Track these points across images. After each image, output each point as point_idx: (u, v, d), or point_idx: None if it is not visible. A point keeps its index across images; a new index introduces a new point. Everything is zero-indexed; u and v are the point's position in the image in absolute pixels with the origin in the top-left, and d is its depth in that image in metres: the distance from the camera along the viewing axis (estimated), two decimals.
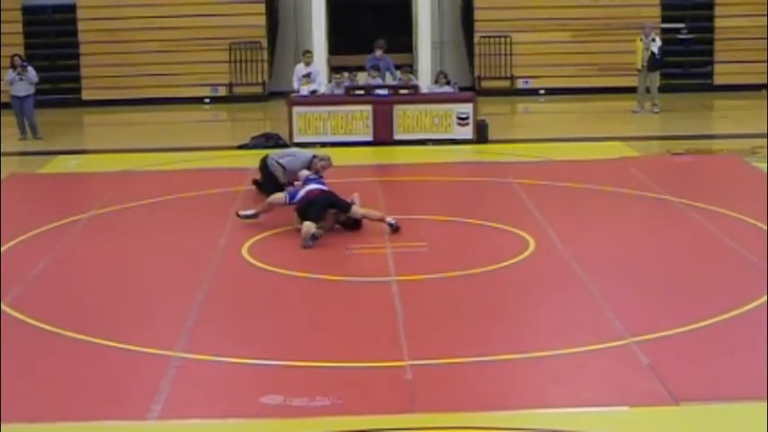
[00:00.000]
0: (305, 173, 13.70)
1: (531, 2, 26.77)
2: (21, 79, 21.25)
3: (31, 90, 21.39)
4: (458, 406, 7.93)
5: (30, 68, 21.48)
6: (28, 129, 21.42)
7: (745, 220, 13.28)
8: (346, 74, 21.15)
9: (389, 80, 21.57)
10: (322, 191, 13.17)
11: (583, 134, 20.91)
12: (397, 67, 22.15)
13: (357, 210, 13.14)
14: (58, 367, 8.87)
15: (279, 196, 13.51)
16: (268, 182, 14.73)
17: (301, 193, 13.20)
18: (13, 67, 21.44)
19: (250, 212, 13.63)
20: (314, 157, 14.57)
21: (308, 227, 12.65)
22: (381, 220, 13.11)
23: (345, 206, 13.13)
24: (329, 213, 13.10)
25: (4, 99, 22.19)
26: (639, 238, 12.80)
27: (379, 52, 22.02)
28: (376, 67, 21.58)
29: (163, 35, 26.44)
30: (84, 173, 18.22)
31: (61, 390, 8.38)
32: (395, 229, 12.94)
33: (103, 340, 9.35)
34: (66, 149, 20.35)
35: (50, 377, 8.64)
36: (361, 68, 22.15)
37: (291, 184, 13.88)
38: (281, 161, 14.73)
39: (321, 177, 13.66)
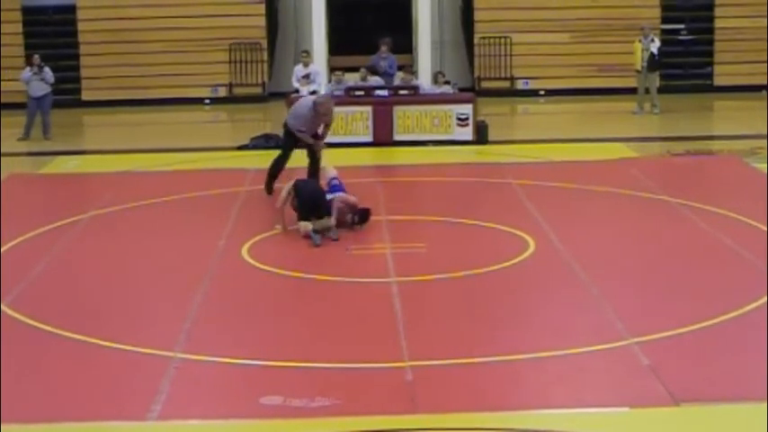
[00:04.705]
0: (333, 173, 13.70)
1: (531, 2, 26.79)
2: (40, 79, 21.32)
3: (48, 89, 21.48)
4: (458, 407, 7.92)
5: (47, 69, 21.57)
6: (40, 127, 21.41)
7: (744, 221, 13.28)
8: (339, 73, 21.12)
9: (397, 80, 21.44)
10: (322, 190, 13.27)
11: (583, 135, 20.92)
12: (399, 68, 22.12)
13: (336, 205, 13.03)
14: (57, 367, 8.87)
15: (281, 195, 13.57)
16: (289, 140, 15.10)
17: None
18: (31, 65, 21.50)
19: (278, 227, 13.30)
20: (314, 103, 14.83)
21: (305, 226, 12.66)
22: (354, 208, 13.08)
23: (326, 210, 12.89)
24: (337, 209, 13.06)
25: (4, 99, 22.18)
26: (639, 239, 12.79)
27: (384, 49, 21.97)
28: (384, 70, 21.46)
29: (163, 35, 26.45)
30: (85, 173, 18.22)
31: (61, 390, 8.38)
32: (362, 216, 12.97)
33: (103, 340, 9.35)
34: (66, 150, 20.37)
35: (50, 377, 8.64)
36: (356, 69, 22.10)
37: (314, 136, 14.72)
38: (292, 118, 15.05)
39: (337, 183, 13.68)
